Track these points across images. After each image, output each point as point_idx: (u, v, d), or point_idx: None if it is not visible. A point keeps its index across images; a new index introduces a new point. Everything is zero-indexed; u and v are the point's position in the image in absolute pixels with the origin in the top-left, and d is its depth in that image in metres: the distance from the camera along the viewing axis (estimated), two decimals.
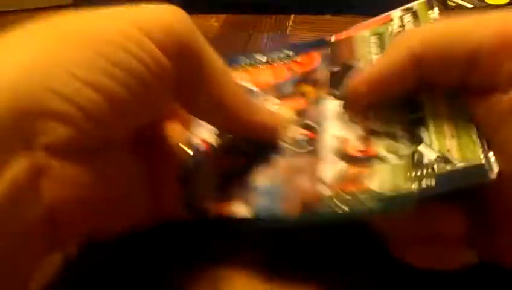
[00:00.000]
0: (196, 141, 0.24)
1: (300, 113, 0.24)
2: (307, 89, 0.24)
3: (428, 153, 0.19)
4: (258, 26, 0.43)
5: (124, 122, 0.18)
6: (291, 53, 0.26)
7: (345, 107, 0.23)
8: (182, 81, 0.19)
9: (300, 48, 0.26)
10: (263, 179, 0.22)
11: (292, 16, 0.42)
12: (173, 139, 0.24)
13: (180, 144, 0.24)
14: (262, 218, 0.21)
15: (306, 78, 0.25)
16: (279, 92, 0.25)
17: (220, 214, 0.22)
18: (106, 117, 0.17)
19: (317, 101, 0.24)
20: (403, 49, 0.20)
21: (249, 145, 0.23)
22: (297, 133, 0.23)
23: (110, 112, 0.17)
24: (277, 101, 0.25)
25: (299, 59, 0.26)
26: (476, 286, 0.21)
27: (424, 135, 0.20)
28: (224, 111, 0.21)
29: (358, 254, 0.23)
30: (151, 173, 0.22)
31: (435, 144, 0.19)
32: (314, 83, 0.24)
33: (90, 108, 0.16)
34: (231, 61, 0.27)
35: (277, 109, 0.24)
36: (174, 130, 0.24)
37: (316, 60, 0.25)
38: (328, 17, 0.40)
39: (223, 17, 0.45)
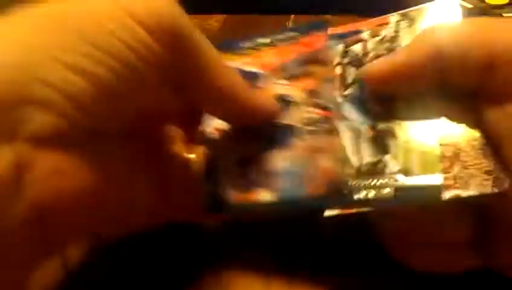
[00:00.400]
0: (209, 130, 0.24)
1: (312, 93, 0.23)
2: (316, 69, 0.24)
3: (392, 164, 0.20)
4: (258, 26, 0.43)
5: (113, 111, 0.17)
6: (294, 34, 0.26)
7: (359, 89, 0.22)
8: (174, 68, 0.18)
9: (301, 30, 0.26)
10: (282, 161, 0.22)
11: (292, 16, 0.41)
12: (181, 138, 0.23)
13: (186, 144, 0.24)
14: (286, 201, 0.21)
15: (313, 59, 0.24)
16: (286, 73, 0.24)
17: (243, 202, 0.22)
18: (93, 104, 0.16)
19: (327, 81, 0.23)
20: (428, 43, 0.19)
21: (263, 129, 0.23)
22: (312, 113, 0.23)
23: (97, 99, 0.16)
24: (285, 82, 0.24)
25: (302, 40, 0.25)
26: (476, 286, 0.21)
27: (392, 145, 0.20)
28: (220, 98, 0.20)
29: (357, 254, 0.23)
30: (156, 174, 0.21)
31: (400, 157, 0.20)
32: (323, 63, 0.24)
33: (75, 94, 0.15)
34: (231, 45, 0.26)
35: (286, 90, 0.24)
36: (176, 134, 0.24)
37: (320, 41, 0.25)
38: (328, 17, 0.40)
39: (223, 17, 0.45)
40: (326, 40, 0.24)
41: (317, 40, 0.25)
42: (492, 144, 0.19)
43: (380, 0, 0.31)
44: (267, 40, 0.26)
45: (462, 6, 0.23)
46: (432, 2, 0.23)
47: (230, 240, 0.25)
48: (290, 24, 0.41)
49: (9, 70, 0.15)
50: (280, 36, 0.26)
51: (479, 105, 0.19)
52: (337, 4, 0.39)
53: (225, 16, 0.45)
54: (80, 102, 0.16)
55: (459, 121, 0.20)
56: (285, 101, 0.23)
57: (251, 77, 0.25)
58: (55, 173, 0.16)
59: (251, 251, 0.24)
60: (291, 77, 0.24)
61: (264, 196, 0.21)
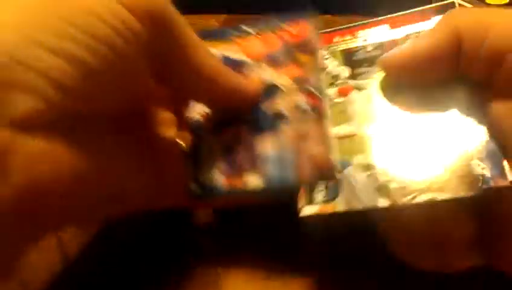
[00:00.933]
0: (195, 116, 0.24)
1: (299, 80, 0.23)
2: (303, 57, 0.24)
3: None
4: None
5: (97, 93, 0.17)
6: (279, 22, 0.26)
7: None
8: (155, 49, 0.18)
9: (287, 18, 0.26)
10: (271, 147, 0.22)
11: None
12: (167, 126, 0.23)
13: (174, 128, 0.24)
14: (275, 187, 0.21)
15: (299, 47, 0.24)
16: (273, 61, 0.25)
17: (231, 188, 0.22)
18: (76, 87, 0.16)
19: (314, 70, 0.23)
20: (449, 27, 0.19)
21: (249, 114, 0.23)
22: (299, 99, 0.23)
23: (80, 82, 0.16)
24: (270, 70, 0.24)
25: (289, 28, 0.25)
26: (476, 286, 0.21)
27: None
28: (201, 79, 0.20)
29: (358, 253, 0.23)
30: (145, 159, 0.21)
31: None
32: (310, 52, 0.24)
33: (58, 77, 0.15)
34: (217, 34, 0.26)
35: (273, 77, 0.24)
36: (166, 118, 0.24)
37: (307, 30, 0.25)
38: (328, 17, 0.40)
39: (223, 17, 0.45)
40: (313, 29, 0.24)
41: (304, 29, 0.25)
42: (496, 139, 0.19)
43: (380, 0, 0.30)
44: (252, 29, 0.26)
45: (462, 6, 0.23)
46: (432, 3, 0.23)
47: (227, 235, 0.25)
48: None
49: None
50: (265, 25, 0.26)
51: (487, 99, 0.19)
52: (337, 4, 0.39)
53: (225, 16, 0.45)
54: (64, 86, 0.15)
55: (466, 114, 0.20)
56: (272, 88, 0.24)
57: (237, 65, 0.25)
58: (39, 157, 0.15)
59: (251, 249, 0.24)
60: (278, 65, 0.24)
61: (253, 181, 0.22)
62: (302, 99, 0.23)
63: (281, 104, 0.23)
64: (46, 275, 0.24)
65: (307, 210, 0.21)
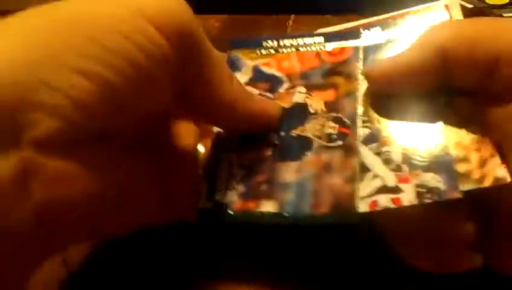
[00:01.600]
0: (217, 130, 0.23)
1: (331, 105, 0.22)
2: (339, 80, 0.23)
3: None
4: (258, 26, 0.43)
5: (120, 113, 0.17)
6: (320, 39, 0.25)
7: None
8: (180, 70, 0.18)
9: (330, 37, 0.24)
10: (291, 173, 0.21)
11: (292, 16, 0.41)
12: (186, 138, 0.23)
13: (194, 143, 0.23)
14: (289, 216, 0.20)
15: (337, 70, 0.23)
16: (307, 81, 0.23)
17: (243, 211, 0.21)
18: (100, 107, 0.16)
19: (349, 95, 0.22)
20: (432, 41, 0.19)
21: (275, 136, 0.22)
22: (329, 127, 0.22)
23: (104, 102, 0.16)
24: (304, 90, 0.23)
25: (329, 48, 0.24)
26: (476, 286, 0.21)
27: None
28: (220, 105, 0.20)
29: (360, 256, 0.23)
30: (162, 174, 0.20)
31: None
32: (347, 76, 0.23)
33: (81, 98, 0.15)
34: (250, 44, 0.25)
35: (305, 99, 0.23)
36: (186, 129, 0.23)
37: (347, 51, 0.24)
38: (328, 17, 0.40)
39: (223, 17, 0.45)
40: (352, 52, 0.23)
41: (344, 50, 0.24)
42: (495, 144, 0.19)
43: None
44: (290, 42, 0.25)
45: (462, 6, 0.23)
46: (433, 2, 0.23)
47: (229, 249, 0.25)
48: (290, 24, 0.41)
49: (15, 74, 0.14)
50: (305, 40, 0.25)
51: (482, 105, 0.19)
52: (337, 4, 0.39)
53: (225, 16, 0.45)
54: (87, 106, 0.15)
55: (462, 121, 0.20)
56: (302, 111, 0.23)
57: (271, 80, 0.24)
58: (60, 178, 0.15)
59: (250, 262, 0.24)
60: (312, 86, 0.23)
61: (267, 207, 0.21)
62: (331, 127, 0.22)
63: (309, 128, 0.22)
64: (50, 288, 0.24)
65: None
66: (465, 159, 0.19)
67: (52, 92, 0.15)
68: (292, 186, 0.21)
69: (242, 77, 0.24)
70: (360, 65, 0.23)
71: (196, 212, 0.22)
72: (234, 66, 0.23)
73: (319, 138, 0.22)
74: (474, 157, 0.19)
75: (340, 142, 0.21)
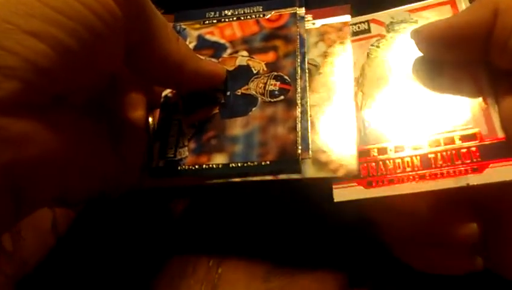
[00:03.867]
0: (168, 94, 0.25)
1: (271, 66, 0.24)
2: (278, 43, 0.25)
3: None
4: None
5: (75, 75, 0.17)
6: (259, 8, 0.26)
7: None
8: (129, 33, 0.18)
9: (268, 5, 0.26)
10: (238, 128, 0.23)
11: None
12: (137, 108, 0.24)
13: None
14: (238, 166, 0.22)
15: (276, 34, 0.25)
16: (248, 45, 0.25)
17: (195, 165, 0.22)
18: (55, 69, 0.16)
19: (288, 55, 0.24)
20: (487, 6, 0.19)
21: (222, 96, 0.24)
22: (270, 84, 0.23)
23: (58, 63, 0.16)
24: (246, 53, 0.25)
25: (267, 15, 0.26)
26: (476, 286, 0.21)
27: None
28: (167, 65, 0.21)
29: (360, 253, 0.23)
30: (115, 139, 0.21)
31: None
32: (285, 39, 0.25)
33: (36, 59, 0.15)
34: (193, 14, 0.27)
35: (247, 62, 0.25)
36: (137, 99, 0.24)
37: (284, 17, 0.25)
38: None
39: None
40: (292, 17, 0.25)
41: (282, 16, 0.25)
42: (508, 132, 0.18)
43: None
44: (232, 12, 0.26)
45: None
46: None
47: (231, 239, 0.25)
48: None
49: None
50: (245, 9, 0.26)
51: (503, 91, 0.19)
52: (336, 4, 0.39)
53: None
54: (41, 66, 0.16)
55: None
56: (246, 72, 0.24)
57: (214, 47, 0.25)
58: (23, 139, 0.16)
59: (251, 250, 0.24)
60: (253, 50, 0.25)
61: (217, 159, 0.22)
62: (273, 84, 0.23)
63: (253, 87, 0.24)
64: (42, 254, 0.25)
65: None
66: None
67: (8, 55, 0.15)
68: (240, 139, 0.22)
69: None
70: (297, 28, 0.25)
71: (149, 172, 0.23)
72: (179, 35, 0.24)
73: (262, 94, 0.23)
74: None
75: (282, 97, 0.23)
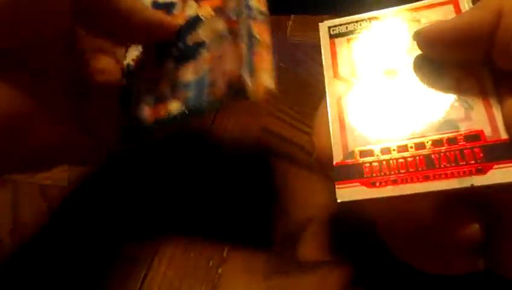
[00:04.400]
0: (129, 62, 0.26)
1: (218, 10, 0.24)
2: None
3: None
4: None
5: (21, 25, 0.17)
6: None
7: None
8: None
9: None
10: (190, 74, 0.23)
11: (292, 16, 0.41)
12: (108, 73, 0.24)
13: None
14: (193, 108, 0.22)
15: None
16: None
17: (156, 117, 0.23)
18: (5, 25, 0.16)
19: None
20: (491, 7, 0.18)
21: (174, 49, 0.24)
22: (218, 26, 0.24)
23: (9, 19, 0.16)
24: (194, 3, 0.25)
25: None
26: (476, 286, 0.21)
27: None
28: (118, 10, 0.21)
29: (360, 253, 0.23)
30: (85, 105, 0.21)
31: None
32: None
33: None
34: None
35: (196, 10, 0.25)
36: (108, 63, 0.25)
37: None
38: (327, 17, 0.40)
39: None
40: None
41: None
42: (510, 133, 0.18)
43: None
44: None
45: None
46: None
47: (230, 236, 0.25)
48: (290, 24, 0.41)
49: None
50: None
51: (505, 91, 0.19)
52: (337, 3, 0.39)
53: None
54: None
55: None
56: (195, 20, 0.25)
57: (165, 7, 0.26)
58: None
59: (251, 249, 0.24)
60: None
61: (174, 106, 0.23)
62: (220, 26, 0.24)
63: (202, 33, 0.24)
64: (34, 224, 0.26)
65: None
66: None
67: None
68: (192, 84, 0.23)
69: None
70: None
71: (119, 141, 0.24)
72: None
73: (212, 39, 0.24)
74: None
75: (228, 35, 0.23)
